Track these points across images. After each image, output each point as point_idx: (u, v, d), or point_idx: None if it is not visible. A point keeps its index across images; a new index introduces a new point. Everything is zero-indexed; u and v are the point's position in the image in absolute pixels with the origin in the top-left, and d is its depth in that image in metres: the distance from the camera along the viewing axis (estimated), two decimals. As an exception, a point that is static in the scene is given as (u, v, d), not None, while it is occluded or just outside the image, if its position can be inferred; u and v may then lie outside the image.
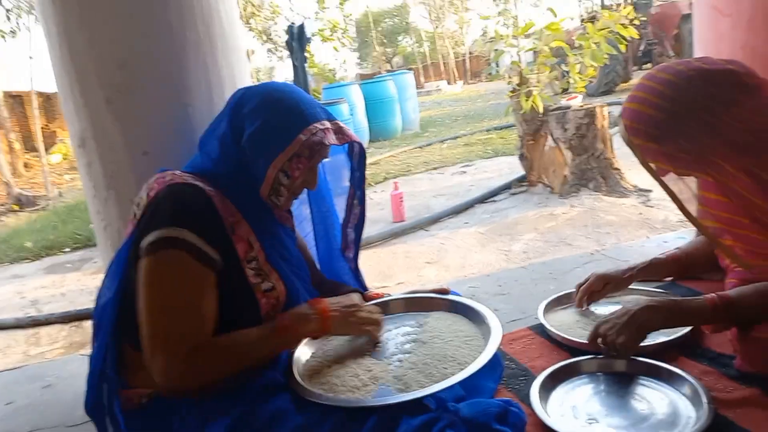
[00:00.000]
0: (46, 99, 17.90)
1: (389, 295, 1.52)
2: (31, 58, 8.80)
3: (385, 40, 38.89)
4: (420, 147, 8.25)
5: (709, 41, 1.86)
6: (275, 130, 1.11)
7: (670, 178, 1.21)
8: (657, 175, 1.16)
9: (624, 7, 4.17)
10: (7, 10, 11.39)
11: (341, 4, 10.13)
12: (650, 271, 1.47)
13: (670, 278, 1.61)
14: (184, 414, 1.05)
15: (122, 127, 1.37)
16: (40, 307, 3.59)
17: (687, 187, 1.27)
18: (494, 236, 3.39)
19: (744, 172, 1.05)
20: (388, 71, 22.87)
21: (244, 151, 1.13)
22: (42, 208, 7.75)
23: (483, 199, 4.35)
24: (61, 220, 6.25)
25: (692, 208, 1.22)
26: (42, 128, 11.09)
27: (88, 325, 3.11)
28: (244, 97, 1.17)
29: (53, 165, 12.77)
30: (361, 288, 1.50)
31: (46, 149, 11.34)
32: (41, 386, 1.81)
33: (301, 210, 1.51)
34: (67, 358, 2.35)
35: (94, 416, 1.11)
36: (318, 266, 1.51)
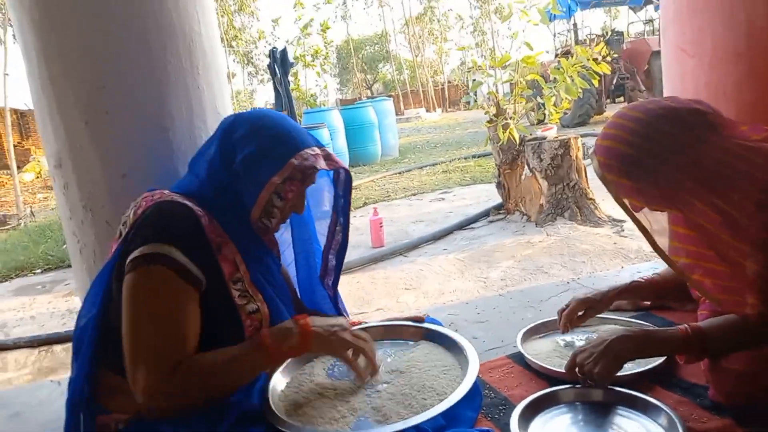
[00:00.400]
0: (20, 116, 17.61)
1: (366, 322, 1.51)
2: (6, 74, 8.66)
3: (365, 67, 39.42)
4: (399, 173, 8.30)
5: (676, 79, 1.96)
6: (268, 154, 1.15)
7: (642, 213, 1.24)
8: (630, 211, 1.19)
9: (597, 43, 4.32)
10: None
11: (323, 31, 10.25)
12: (630, 293, 1.51)
13: (647, 302, 1.64)
14: None
15: (100, 149, 1.36)
16: (8, 331, 3.46)
17: (657, 221, 1.31)
18: (472, 263, 3.41)
19: (712, 208, 1.09)
20: (369, 98, 23.12)
21: (234, 174, 1.16)
22: (13, 227, 7.54)
23: (461, 226, 4.38)
24: (33, 240, 6.08)
25: (664, 241, 1.25)
26: (15, 146, 10.87)
27: (59, 349, 3.00)
28: (235, 123, 1.20)
29: (26, 183, 12.49)
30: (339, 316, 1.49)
31: (19, 167, 11.10)
32: (8, 414, 1.74)
33: (283, 237, 1.51)
34: (35, 384, 2.26)
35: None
36: (298, 294, 1.51)
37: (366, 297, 3.09)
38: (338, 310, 1.50)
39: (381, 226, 4.23)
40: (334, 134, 9.08)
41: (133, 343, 1.01)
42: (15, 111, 17.29)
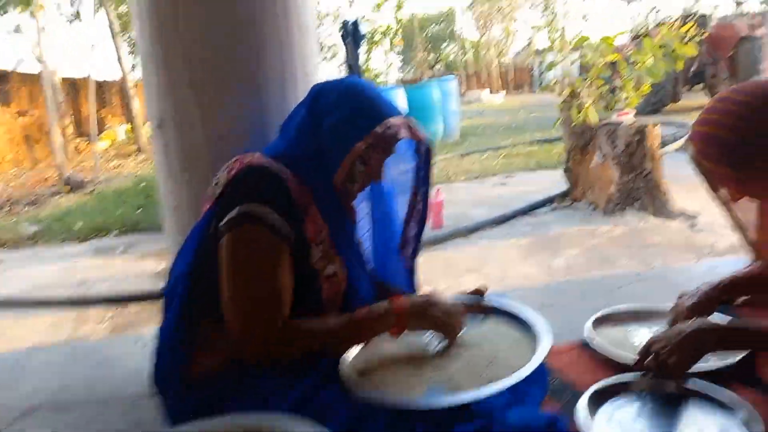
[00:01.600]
0: (98, 86, 18.57)
1: None
2: (93, 46, 9.13)
3: (429, 46, 38.83)
4: (460, 155, 8.23)
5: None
6: (354, 121, 1.18)
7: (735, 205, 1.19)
8: (726, 201, 1.15)
9: (681, 24, 4.07)
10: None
11: (398, 8, 10.07)
12: (733, 289, 1.41)
13: (746, 297, 1.56)
14: (245, 390, 1.10)
15: (202, 109, 1.43)
16: (88, 287, 3.73)
17: (744, 213, 1.25)
18: (536, 249, 3.37)
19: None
20: (431, 77, 22.84)
21: (322, 138, 1.20)
22: (91, 191, 8.02)
23: (525, 212, 4.32)
24: (110, 204, 6.47)
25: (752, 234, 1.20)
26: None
27: (133, 308, 3.23)
28: (325, 90, 1.24)
29: (101, 151, 13.21)
30: (411, 290, 1.52)
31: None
32: (96, 362, 1.89)
33: (359, 208, 1.55)
34: (117, 338, 2.44)
35: (160, 387, 1.17)
36: (371, 265, 1.54)
37: (426, 278, 3.11)
38: (411, 283, 1.52)
39: (441, 208, 4.23)
40: (397, 113, 9.04)
41: (233, 302, 1.09)
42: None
